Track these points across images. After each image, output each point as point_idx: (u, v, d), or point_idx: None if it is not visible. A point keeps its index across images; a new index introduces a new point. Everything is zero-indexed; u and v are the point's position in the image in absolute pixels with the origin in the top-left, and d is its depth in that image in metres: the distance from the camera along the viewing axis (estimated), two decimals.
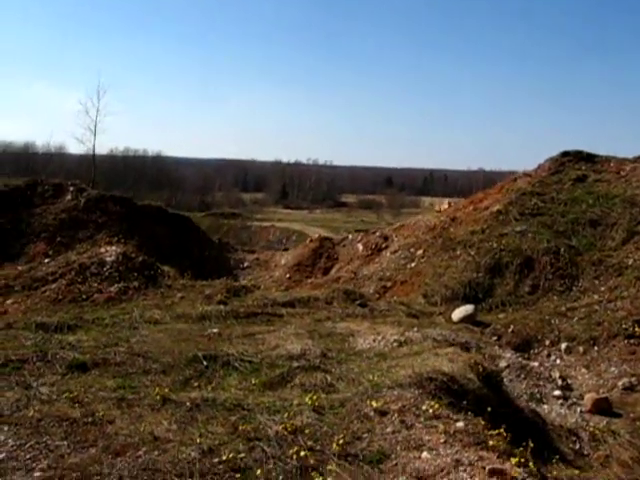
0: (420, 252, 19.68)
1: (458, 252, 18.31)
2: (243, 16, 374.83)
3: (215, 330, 11.35)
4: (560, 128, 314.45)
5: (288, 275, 22.01)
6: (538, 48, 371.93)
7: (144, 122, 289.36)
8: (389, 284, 18.78)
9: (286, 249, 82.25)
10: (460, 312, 15.19)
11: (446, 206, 23.24)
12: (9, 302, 13.43)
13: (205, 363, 9.15)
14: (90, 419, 6.75)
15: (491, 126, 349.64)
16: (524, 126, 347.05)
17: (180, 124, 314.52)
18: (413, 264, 19.20)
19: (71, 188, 21.78)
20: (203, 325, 11.97)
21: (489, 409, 7.59)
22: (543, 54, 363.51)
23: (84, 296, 13.61)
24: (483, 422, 6.93)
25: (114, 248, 15.16)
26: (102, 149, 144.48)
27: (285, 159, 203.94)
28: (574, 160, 22.55)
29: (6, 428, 6.48)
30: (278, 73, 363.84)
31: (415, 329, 12.34)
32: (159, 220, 22.47)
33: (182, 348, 9.95)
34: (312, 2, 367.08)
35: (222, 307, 13.07)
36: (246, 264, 23.59)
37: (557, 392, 11.95)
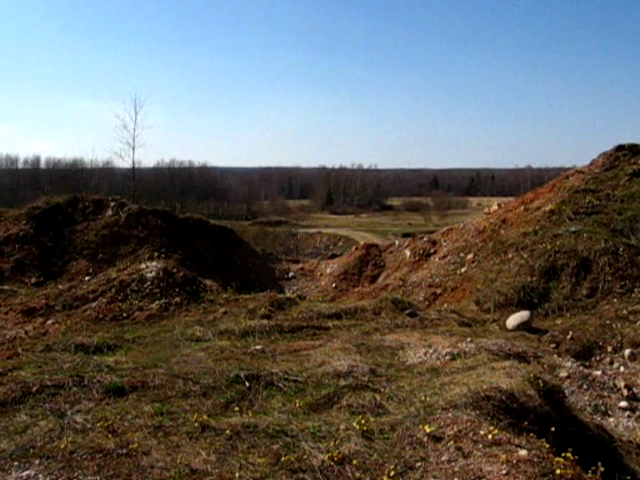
0: (470, 256, 18.98)
1: (510, 255, 17.56)
2: (286, 24, 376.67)
3: (258, 347, 10.90)
4: (612, 121, 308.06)
5: (334, 284, 21.48)
6: (587, 39, 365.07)
7: (189, 134, 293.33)
8: (439, 291, 18.14)
9: (334, 255, 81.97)
10: (515, 319, 14.48)
11: (495, 207, 22.37)
12: (50, 322, 13.22)
13: (247, 384, 8.70)
14: (124, 450, 6.34)
15: (538, 122, 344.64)
16: (573, 121, 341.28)
17: (225, 134, 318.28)
18: (463, 269, 18.52)
19: (112, 203, 21.70)
20: (246, 341, 11.55)
21: (552, 429, 6.99)
22: (592, 45, 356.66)
23: (125, 314, 13.33)
24: (547, 445, 6.32)
25: (155, 264, 14.85)
26: (149, 162, 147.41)
27: (330, 165, 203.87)
28: (630, 154, 21.54)
29: (37, 462, 6.13)
30: (321, 79, 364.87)
31: (468, 339, 11.72)
32: (201, 232, 22.23)
33: (224, 368, 9.52)
34: (354, 10, 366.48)
35: (266, 321, 12.63)
36: (291, 274, 23.09)
37: (623, 403, 11.19)
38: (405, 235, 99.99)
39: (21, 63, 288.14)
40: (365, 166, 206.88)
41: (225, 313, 13.36)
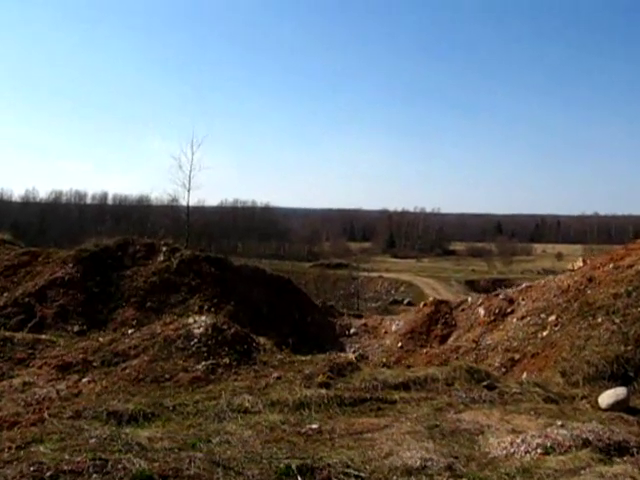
0: (552, 318, 17.09)
1: (599, 319, 15.61)
2: (348, 67, 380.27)
3: (314, 425, 9.36)
4: None
5: (400, 344, 19.83)
6: None
7: (253, 173, 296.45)
8: (517, 356, 16.29)
9: (395, 301, 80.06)
10: (609, 397, 12.51)
11: (580, 264, 20.39)
12: (85, 380, 11.97)
13: (300, 479, 7.16)
14: None
15: (605, 167, 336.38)
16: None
17: (287, 175, 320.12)
18: (545, 333, 16.64)
19: (164, 248, 20.67)
20: (301, 415, 10.02)
21: None
22: None
23: (167, 375, 11.97)
24: None
25: (203, 318, 13.52)
26: (213, 201, 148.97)
27: (392, 207, 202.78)
28: None
29: None
30: (383, 122, 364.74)
31: (559, 423, 9.91)
32: (256, 282, 20.95)
33: (273, 453, 8.00)
34: (419, 52, 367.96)
35: (324, 391, 11.07)
36: (353, 330, 21.55)
37: None
38: (469, 282, 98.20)
39: (93, 103, 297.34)
40: (428, 209, 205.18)
41: (279, 378, 11.87)
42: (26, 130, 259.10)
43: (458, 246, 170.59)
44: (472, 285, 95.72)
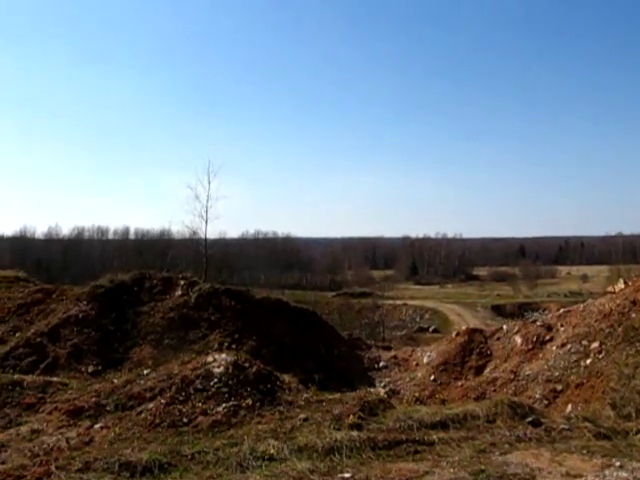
0: (596, 345, 16.02)
1: None
2: (365, 93, 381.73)
3: (347, 475, 8.44)
4: None
5: (433, 377, 18.81)
6: None
7: (273, 203, 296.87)
8: (560, 387, 15.24)
9: (421, 328, 78.85)
10: None
11: (622, 286, 19.21)
12: (97, 427, 11.09)
13: None
14: None
15: (629, 187, 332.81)
16: None
17: (308, 204, 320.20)
18: (588, 361, 15.57)
19: (181, 282, 19.82)
20: (332, 462, 9.08)
21: None
22: None
23: (185, 419, 11.05)
24: None
25: (223, 356, 12.60)
26: (234, 232, 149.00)
27: (413, 234, 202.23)
28: None
29: None
30: (402, 147, 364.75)
31: (617, 463, 8.93)
32: (279, 314, 20.00)
33: None
34: (436, 77, 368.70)
35: (355, 433, 10.12)
36: (382, 364, 20.52)
37: None
38: (495, 307, 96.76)
39: (114, 139, 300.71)
40: (449, 235, 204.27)
41: (306, 420, 10.93)
42: (49, 166, 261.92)
43: (481, 271, 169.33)
44: (498, 310, 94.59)
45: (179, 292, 19.27)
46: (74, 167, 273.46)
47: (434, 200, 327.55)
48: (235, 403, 11.50)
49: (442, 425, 10.87)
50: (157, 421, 11.13)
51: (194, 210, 30.68)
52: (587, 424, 11.64)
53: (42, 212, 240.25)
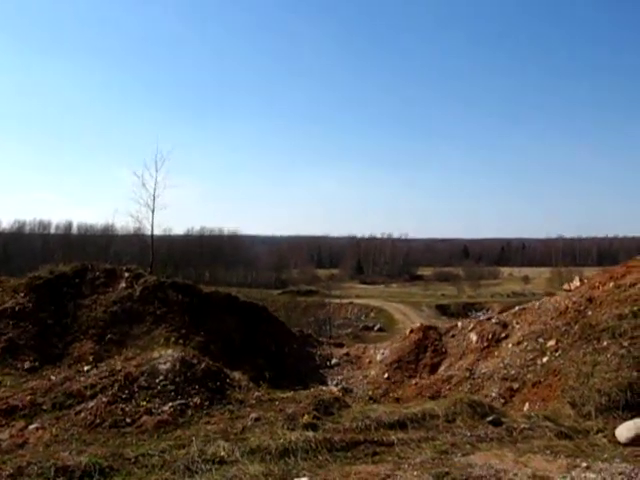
0: (552, 343, 15.71)
1: (605, 343, 14.26)
2: (316, 96, 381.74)
3: (304, 478, 7.86)
4: None
5: (386, 375, 18.28)
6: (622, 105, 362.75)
7: (220, 201, 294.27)
8: (516, 385, 14.87)
9: (367, 327, 78.88)
10: (628, 429, 11.14)
11: (577, 283, 18.92)
12: (33, 427, 10.21)
13: None
14: None
15: (570, 191, 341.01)
16: (606, 190, 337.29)
17: (254, 202, 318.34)
18: (545, 359, 15.23)
19: (126, 274, 18.80)
20: (286, 465, 8.51)
21: None
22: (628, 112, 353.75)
23: (129, 419, 10.27)
24: None
25: (170, 352, 11.81)
26: (179, 229, 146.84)
27: (359, 234, 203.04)
28: None
29: None
30: (349, 148, 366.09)
31: (584, 464, 8.60)
32: (229, 310, 19.15)
33: None
34: (388, 78, 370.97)
35: (311, 434, 9.55)
36: (334, 361, 19.90)
37: None
38: (439, 306, 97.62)
39: (57, 132, 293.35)
40: (395, 235, 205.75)
41: (257, 420, 10.29)
42: None
43: (426, 271, 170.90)
44: (443, 309, 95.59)
45: (123, 285, 18.28)
46: (17, 162, 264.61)
47: (380, 201, 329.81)
48: (182, 402, 10.78)
49: (401, 425, 10.40)
50: (98, 421, 10.35)
51: (140, 199, 28.87)
52: (548, 423, 11.33)
53: None
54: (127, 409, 10.55)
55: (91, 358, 13.46)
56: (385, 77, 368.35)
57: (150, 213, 28.70)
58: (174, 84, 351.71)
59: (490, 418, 11.03)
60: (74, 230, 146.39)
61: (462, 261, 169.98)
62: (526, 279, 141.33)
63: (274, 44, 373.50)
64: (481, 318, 19.78)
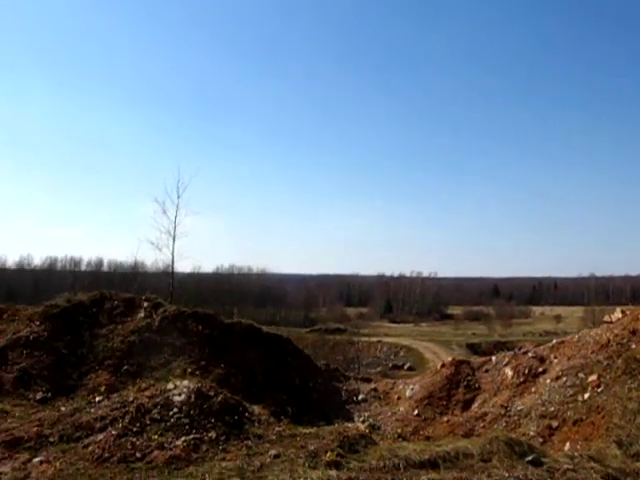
0: (593, 378, 14.74)
1: None
2: (344, 133, 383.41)
3: None
4: None
5: (416, 411, 17.35)
6: None
7: (249, 239, 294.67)
8: (556, 423, 13.90)
9: (396, 366, 77.44)
10: None
11: (619, 315, 17.88)
12: (36, 461, 9.53)
13: None
14: None
15: (601, 229, 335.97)
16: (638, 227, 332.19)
17: (283, 240, 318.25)
18: (586, 395, 14.26)
19: (145, 304, 18.24)
20: None
21: None
22: None
23: (138, 454, 9.56)
24: None
25: (185, 383, 11.12)
26: (209, 267, 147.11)
27: (388, 272, 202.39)
28: None
29: None
30: (378, 186, 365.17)
31: None
32: (251, 341, 18.38)
33: None
34: (414, 115, 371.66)
35: (334, 473, 8.77)
36: (361, 396, 18.98)
37: None
38: (470, 345, 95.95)
39: (89, 168, 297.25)
40: (424, 274, 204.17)
41: (277, 457, 9.51)
42: (21, 195, 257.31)
43: (455, 310, 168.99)
44: (473, 348, 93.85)
45: (142, 314, 17.71)
46: (49, 197, 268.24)
47: (410, 239, 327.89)
48: (197, 436, 10.06)
49: (432, 464, 9.55)
50: (106, 455, 9.67)
51: (161, 226, 27.97)
52: (593, 464, 10.36)
53: (13, 241, 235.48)
54: (137, 443, 9.86)
55: (103, 389, 12.76)
56: (413, 113, 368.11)
57: (171, 241, 27.74)
58: (205, 120, 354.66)
59: (529, 458, 10.12)
60: (104, 267, 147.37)
61: (492, 300, 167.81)
62: (558, 318, 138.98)
63: (302, 82, 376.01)
64: (516, 352, 18.68)
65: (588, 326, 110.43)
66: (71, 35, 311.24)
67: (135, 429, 10.20)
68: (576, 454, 10.93)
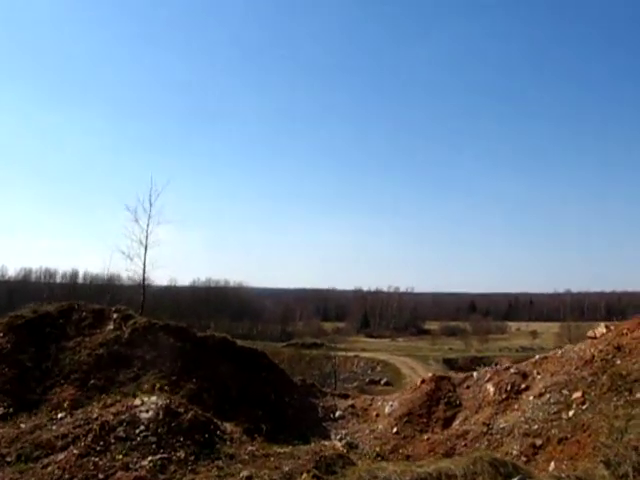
0: (578, 395, 14.26)
1: (638, 395, 12.89)
2: (319, 146, 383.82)
3: None
4: None
5: (395, 429, 16.75)
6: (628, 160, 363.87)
7: (226, 253, 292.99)
8: (539, 442, 13.39)
9: (373, 381, 76.95)
10: None
11: (603, 330, 17.36)
12: None
13: None
14: None
15: (577, 245, 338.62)
16: (614, 244, 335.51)
17: (260, 255, 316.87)
18: (571, 413, 13.78)
19: (114, 315, 17.49)
20: None
21: None
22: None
23: (101, 475, 8.92)
24: None
25: (154, 400, 10.47)
26: (185, 280, 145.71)
27: (365, 287, 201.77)
28: None
29: None
30: (356, 201, 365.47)
31: None
32: (225, 355, 17.65)
33: None
34: (390, 125, 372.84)
35: None
36: (338, 413, 18.33)
37: None
38: (447, 360, 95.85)
39: (64, 179, 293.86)
40: (401, 289, 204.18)
41: (249, 478, 8.94)
42: None
43: (432, 325, 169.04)
44: (450, 364, 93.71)
45: (111, 326, 16.98)
46: (23, 208, 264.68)
47: (387, 254, 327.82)
48: (164, 456, 9.43)
49: None
50: (66, 476, 9.03)
51: (132, 235, 26.70)
52: None
53: None
54: (100, 463, 9.21)
55: (66, 404, 12.01)
56: (386, 126, 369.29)
57: (143, 250, 26.53)
58: (179, 133, 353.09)
59: (517, 479, 9.65)
60: (80, 279, 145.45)
61: (469, 315, 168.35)
62: (534, 334, 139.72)
63: (278, 87, 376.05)
64: (498, 368, 18.14)
65: (564, 342, 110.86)
66: (43, 43, 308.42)
67: (98, 448, 9.56)
68: (563, 475, 10.45)
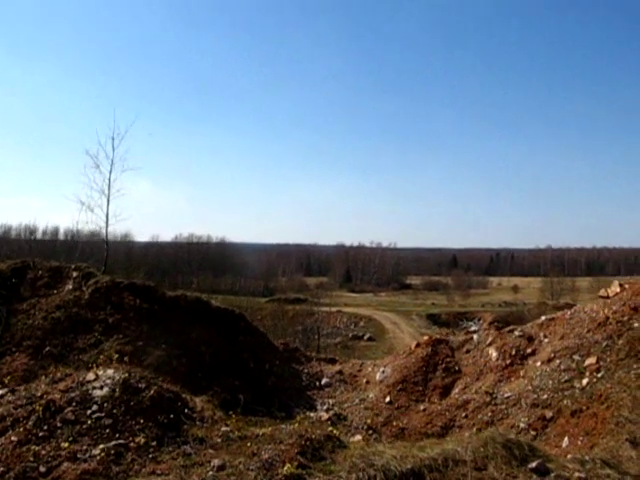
0: (592, 361, 12.83)
1: None
2: (304, 102, 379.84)
3: None
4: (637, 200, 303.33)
5: (388, 398, 15.36)
6: (611, 119, 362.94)
7: (209, 208, 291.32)
8: (550, 414, 12.00)
9: (356, 336, 76.19)
10: None
11: (617, 289, 15.75)
12: None
13: None
14: None
15: (558, 201, 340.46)
16: (595, 200, 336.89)
17: (243, 210, 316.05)
18: (584, 381, 12.35)
19: (74, 274, 15.73)
20: None
21: None
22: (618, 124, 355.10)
23: (43, 468, 7.37)
24: None
25: (110, 373, 8.86)
26: (167, 236, 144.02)
27: (348, 242, 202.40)
28: None
29: None
30: (339, 157, 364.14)
31: None
32: (198, 318, 15.96)
33: None
34: (374, 85, 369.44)
35: None
36: (325, 381, 16.88)
37: None
38: (430, 315, 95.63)
39: (44, 137, 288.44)
40: (384, 244, 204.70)
41: (221, 468, 7.42)
42: None
43: (414, 280, 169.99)
44: (434, 319, 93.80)
45: (70, 286, 15.26)
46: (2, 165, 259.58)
47: (370, 209, 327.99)
48: (120, 442, 7.87)
49: (415, 475, 7.60)
50: (1, 469, 7.48)
51: (93, 183, 23.67)
52: (609, 471, 8.46)
53: None
54: (43, 452, 7.64)
55: (8, 379, 10.37)
56: (372, 85, 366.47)
57: (105, 200, 23.46)
58: (163, 87, 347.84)
59: (533, 465, 8.19)
60: (61, 235, 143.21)
61: (451, 270, 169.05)
62: (516, 289, 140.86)
63: (261, 48, 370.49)
64: (502, 330, 16.61)
65: (546, 297, 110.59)
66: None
67: (41, 434, 7.98)
68: (587, 458, 8.99)
